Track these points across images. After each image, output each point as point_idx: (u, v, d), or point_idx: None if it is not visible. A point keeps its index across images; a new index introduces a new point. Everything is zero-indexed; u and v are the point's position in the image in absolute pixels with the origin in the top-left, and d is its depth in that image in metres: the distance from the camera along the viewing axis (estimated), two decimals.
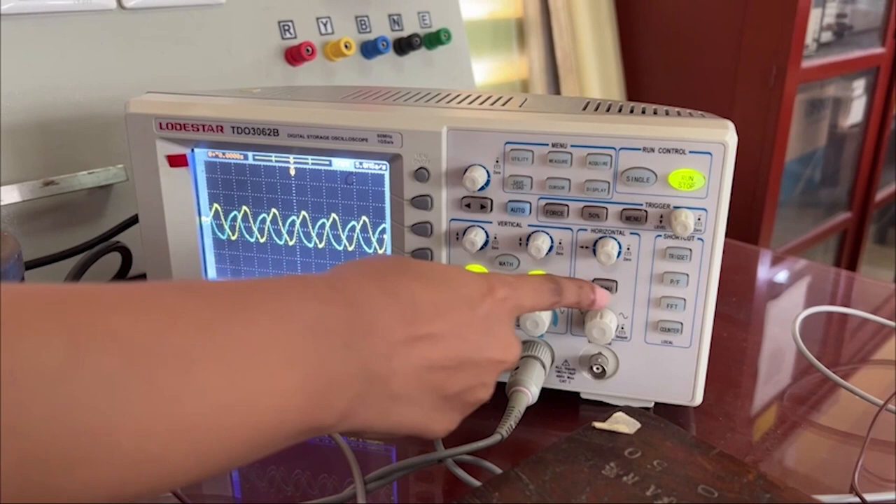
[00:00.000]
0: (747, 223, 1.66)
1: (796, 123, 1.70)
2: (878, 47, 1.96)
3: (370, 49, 0.87)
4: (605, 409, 0.51)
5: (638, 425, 0.39)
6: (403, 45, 0.90)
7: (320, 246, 0.54)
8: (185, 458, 0.26)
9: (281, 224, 0.54)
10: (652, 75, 1.74)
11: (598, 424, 0.39)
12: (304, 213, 0.53)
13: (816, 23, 1.71)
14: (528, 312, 0.43)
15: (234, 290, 0.30)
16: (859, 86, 2.00)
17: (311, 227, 0.54)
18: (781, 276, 0.83)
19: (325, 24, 0.85)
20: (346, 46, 0.83)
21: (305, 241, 0.54)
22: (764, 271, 0.85)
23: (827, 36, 1.79)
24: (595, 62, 1.65)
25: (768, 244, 1.71)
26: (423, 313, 0.35)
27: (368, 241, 0.53)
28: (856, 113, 2.02)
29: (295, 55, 0.81)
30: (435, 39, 0.91)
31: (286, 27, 0.82)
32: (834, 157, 2.07)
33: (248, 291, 0.30)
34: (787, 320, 0.68)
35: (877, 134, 2.06)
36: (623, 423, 0.39)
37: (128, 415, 0.25)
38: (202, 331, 0.27)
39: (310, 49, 0.80)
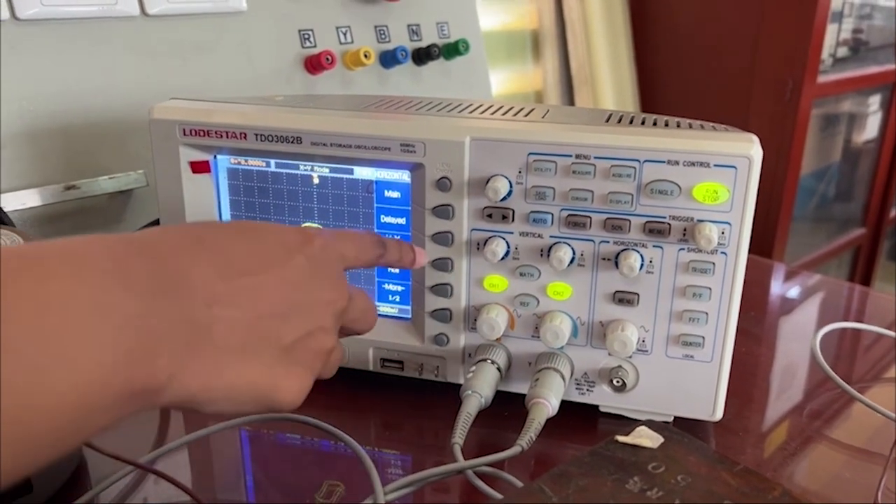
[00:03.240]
0: (761, 238, 1.65)
1: (811, 138, 1.69)
2: (893, 63, 1.95)
3: (389, 59, 0.88)
4: (625, 422, 0.51)
5: (661, 439, 0.39)
6: (422, 56, 0.90)
7: None
8: (18, 436, 0.24)
9: None
10: (667, 88, 1.74)
11: (620, 438, 0.39)
12: (325, 221, 0.53)
13: (832, 38, 1.71)
14: (353, 263, 0.42)
15: (26, 249, 0.27)
16: (875, 101, 2.00)
17: None
18: (797, 290, 0.83)
19: (344, 34, 0.86)
20: (365, 56, 0.83)
21: None
22: (780, 286, 0.84)
23: (843, 51, 1.79)
24: (610, 74, 1.65)
25: (782, 259, 1.70)
26: (239, 262, 0.34)
27: None
28: (871, 129, 2.02)
29: (314, 64, 0.81)
30: (453, 50, 0.92)
31: (306, 36, 0.83)
32: (848, 172, 2.06)
33: (42, 248, 0.27)
34: (803, 335, 0.68)
35: (892, 150, 2.05)
36: (646, 437, 0.39)
37: None
38: None
39: (329, 58, 0.81)
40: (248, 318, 0.33)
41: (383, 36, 0.89)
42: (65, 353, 0.25)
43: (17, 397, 0.24)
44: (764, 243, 1.65)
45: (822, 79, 1.61)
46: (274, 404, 0.34)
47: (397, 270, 0.54)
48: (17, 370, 0.24)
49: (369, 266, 0.45)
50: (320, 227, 0.44)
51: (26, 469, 0.25)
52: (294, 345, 0.35)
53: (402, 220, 0.52)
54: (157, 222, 0.64)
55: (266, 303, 0.34)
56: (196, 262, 0.32)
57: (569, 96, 1.66)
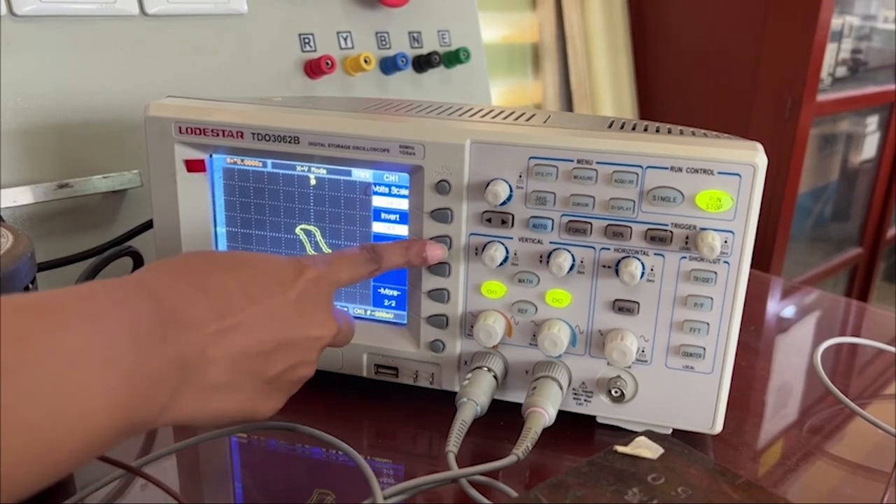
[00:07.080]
0: (759, 255, 1.65)
1: (809, 157, 1.69)
2: (892, 84, 1.96)
3: (389, 65, 0.87)
4: (622, 434, 0.50)
5: (661, 450, 0.38)
6: (422, 63, 0.89)
7: None
8: (30, 465, 0.27)
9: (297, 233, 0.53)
10: (666, 104, 1.74)
11: (620, 448, 0.38)
12: (321, 223, 0.53)
13: (832, 57, 1.72)
14: (348, 285, 0.44)
15: (46, 298, 0.30)
16: (872, 122, 2.00)
17: (328, 238, 0.53)
18: (796, 305, 0.82)
19: (345, 39, 0.85)
20: (365, 61, 0.83)
21: (323, 252, 0.53)
22: (779, 300, 0.83)
23: (842, 71, 1.80)
24: (609, 89, 1.65)
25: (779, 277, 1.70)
26: (234, 302, 0.36)
27: None
28: (869, 149, 2.02)
29: (314, 68, 0.81)
30: (454, 58, 0.91)
31: (307, 40, 0.82)
32: (846, 192, 2.06)
33: (60, 299, 0.31)
34: (803, 350, 0.67)
35: (889, 170, 2.05)
36: (646, 448, 0.38)
37: None
38: (21, 341, 0.27)
39: (329, 62, 0.80)
40: (237, 357, 0.36)
41: (384, 42, 0.88)
42: (79, 402, 0.29)
43: (35, 434, 0.27)
44: (761, 261, 1.65)
45: (821, 97, 1.61)
46: (251, 420, 0.39)
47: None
48: (38, 413, 0.27)
49: (365, 279, 0.47)
50: (314, 255, 0.46)
51: (36, 489, 0.28)
52: (277, 376, 0.39)
53: (399, 224, 0.51)
54: (150, 224, 0.63)
55: (255, 341, 0.37)
56: (194, 304, 0.35)
57: (568, 111, 1.66)
